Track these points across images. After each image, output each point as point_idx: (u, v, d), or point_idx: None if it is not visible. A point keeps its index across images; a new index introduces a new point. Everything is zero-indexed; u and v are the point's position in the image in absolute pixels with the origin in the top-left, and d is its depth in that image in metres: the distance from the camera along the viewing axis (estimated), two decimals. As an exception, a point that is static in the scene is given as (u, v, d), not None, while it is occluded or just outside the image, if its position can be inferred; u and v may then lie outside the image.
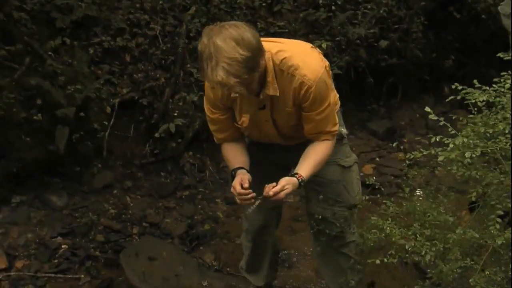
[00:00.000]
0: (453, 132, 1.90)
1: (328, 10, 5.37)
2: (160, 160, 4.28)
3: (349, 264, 2.58)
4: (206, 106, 2.34)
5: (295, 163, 2.54)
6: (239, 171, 2.26)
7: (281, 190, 2.13)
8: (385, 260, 2.04)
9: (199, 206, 3.98)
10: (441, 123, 1.91)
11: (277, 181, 2.24)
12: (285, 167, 2.59)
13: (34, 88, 3.81)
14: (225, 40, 1.90)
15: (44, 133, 3.83)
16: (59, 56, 4.16)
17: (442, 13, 5.66)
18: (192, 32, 4.79)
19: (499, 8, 4.28)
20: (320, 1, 5.46)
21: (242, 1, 5.23)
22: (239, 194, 2.16)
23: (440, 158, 1.77)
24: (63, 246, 3.45)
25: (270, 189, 2.13)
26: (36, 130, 3.81)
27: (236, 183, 2.18)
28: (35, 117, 3.77)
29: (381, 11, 5.39)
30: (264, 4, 5.35)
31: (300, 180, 2.19)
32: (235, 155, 2.36)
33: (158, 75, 4.52)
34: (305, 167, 2.24)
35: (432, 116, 1.92)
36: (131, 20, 4.67)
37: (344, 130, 2.52)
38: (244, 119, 2.27)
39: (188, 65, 4.63)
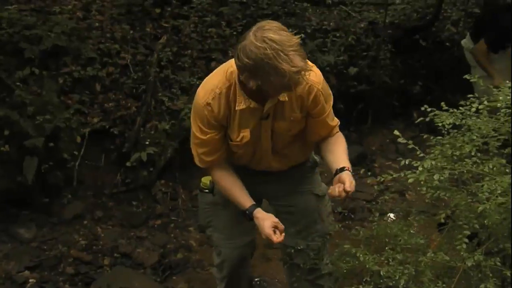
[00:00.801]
0: (422, 155, 1.93)
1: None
2: (132, 189, 4.23)
3: None
4: (196, 127, 2.19)
5: (268, 195, 2.53)
6: (258, 214, 2.17)
7: (351, 183, 2.06)
8: (361, 287, 2.04)
9: (172, 235, 3.93)
10: (410, 147, 1.94)
11: None
12: (257, 200, 2.58)
13: (1, 119, 3.75)
14: (278, 33, 1.88)
15: (12, 164, 3.76)
16: (28, 86, 4.12)
17: (409, 41, 5.82)
18: (163, 61, 4.82)
19: (462, 42, 4.46)
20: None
21: (213, 30, 5.29)
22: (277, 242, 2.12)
23: (410, 181, 1.80)
24: (30, 280, 3.36)
25: (342, 189, 2.02)
26: (4, 161, 3.75)
27: (271, 234, 2.09)
28: (2, 148, 3.71)
29: (349, 39, 5.51)
30: (234, 33, 5.41)
31: (351, 171, 2.13)
32: (238, 187, 2.26)
33: (129, 104, 4.50)
34: (343, 159, 2.17)
35: (401, 140, 1.96)
36: (101, 50, 4.67)
37: (317, 158, 2.53)
38: (245, 134, 2.18)
39: (160, 94, 4.63)
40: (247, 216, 2.20)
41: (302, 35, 5.52)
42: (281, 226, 2.13)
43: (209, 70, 5.00)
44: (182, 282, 3.44)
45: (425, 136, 2.06)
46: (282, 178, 2.43)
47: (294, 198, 2.47)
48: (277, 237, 2.11)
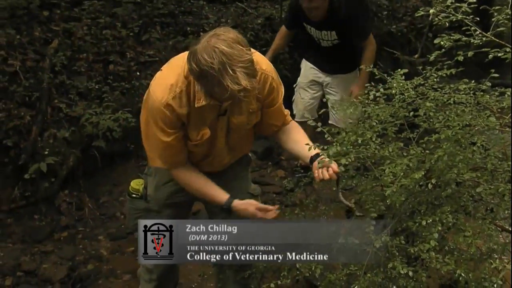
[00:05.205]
0: (329, 138, 1.99)
1: (196, 36, 5.43)
2: (32, 202, 3.99)
3: None
4: (157, 129, 2.09)
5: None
6: (236, 204, 2.20)
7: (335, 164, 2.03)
8: (279, 282, 2.07)
9: (80, 246, 3.76)
10: (318, 129, 1.99)
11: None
12: (191, 204, 2.55)
13: None
14: (232, 45, 1.80)
15: None
16: None
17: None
18: (57, 66, 4.59)
19: None
20: (188, 28, 5.52)
21: (108, 32, 5.12)
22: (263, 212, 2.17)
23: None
24: None
25: (331, 172, 2.01)
26: None
27: (256, 213, 2.17)
28: None
29: (248, 35, 5.57)
30: (131, 34, 5.28)
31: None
32: (209, 184, 2.24)
33: (22, 113, 4.24)
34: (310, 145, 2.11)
35: (311, 122, 2.00)
36: (-16, 57, 4.36)
37: (251, 155, 2.55)
38: (205, 131, 2.14)
39: (56, 101, 4.41)
40: (226, 210, 2.22)
41: (201, 33, 5.55)
42: (263, 206, 2.20)
43: (107, 73, 4.88)
44: (94, 294, 3.30)
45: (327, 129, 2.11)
46: (219, 178, 2.38)
47: None
48: (271, 214, 2.17)
